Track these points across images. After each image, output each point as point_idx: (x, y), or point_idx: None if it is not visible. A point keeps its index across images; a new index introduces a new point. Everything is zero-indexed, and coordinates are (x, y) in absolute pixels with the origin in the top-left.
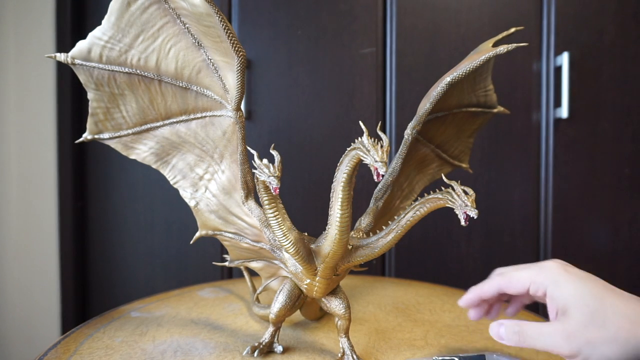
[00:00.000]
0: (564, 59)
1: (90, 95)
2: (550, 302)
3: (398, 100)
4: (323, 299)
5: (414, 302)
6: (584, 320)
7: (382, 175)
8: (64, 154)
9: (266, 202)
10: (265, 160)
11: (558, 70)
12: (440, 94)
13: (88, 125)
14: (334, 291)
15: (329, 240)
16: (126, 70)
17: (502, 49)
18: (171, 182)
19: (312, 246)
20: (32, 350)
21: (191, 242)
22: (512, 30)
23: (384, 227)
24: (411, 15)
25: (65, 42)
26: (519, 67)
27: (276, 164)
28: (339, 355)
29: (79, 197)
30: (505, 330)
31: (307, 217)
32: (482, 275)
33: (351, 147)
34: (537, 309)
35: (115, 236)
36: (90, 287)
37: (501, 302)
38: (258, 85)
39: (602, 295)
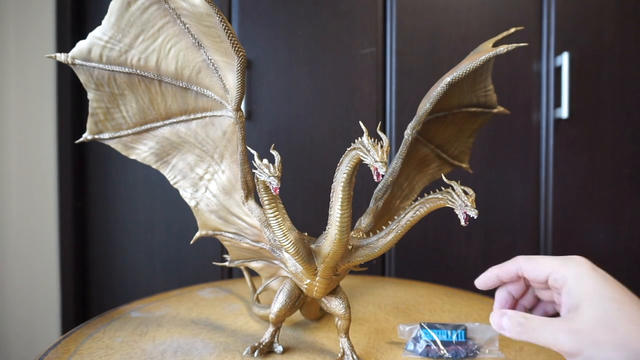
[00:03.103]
0: (564, 59)
1: (90, 95)
2: (565, 297)
3: (398, 100)
4: (323, 299)
5: (414, 302)
6: (595, 320)
7: (382, 175)
8: (64, 154)
9: (266, 202)
10: (265, 160)
11: (558, 70)
12: (440, 94)
13: (88, 125)
14: (334, 291)
15: (329, 240)
16: (126, 70)
17: (502, 49)
18: (171, 182)
19: (312, 246)
20: (32, 350)
21: (191, 242)
22: (512, 30)
23: (384, 227)
24: (411, 15)
25: (65, 42)
26: (519, 67)
27: (276, 164)
28: (339, 355)
29: (79, 197)
30: (509, 321)
31: (307, 217)
32: None
33: (351, 147)
34: None
35: (115, 236)
36: (90, 287)
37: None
38: (258, 85)
39: (622, 300)
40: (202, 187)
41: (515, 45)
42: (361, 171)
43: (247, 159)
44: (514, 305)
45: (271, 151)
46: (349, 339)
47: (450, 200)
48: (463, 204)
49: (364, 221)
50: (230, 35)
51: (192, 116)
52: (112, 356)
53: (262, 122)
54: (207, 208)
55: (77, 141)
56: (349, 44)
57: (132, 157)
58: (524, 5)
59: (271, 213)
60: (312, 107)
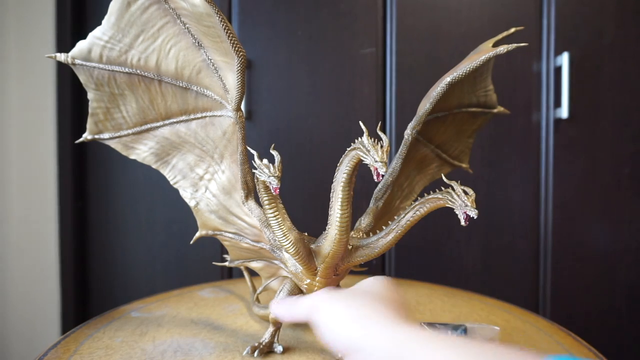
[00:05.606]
0: (564, 59)
1: (90, 95)
2: None
3: (398, 100)
4: None
5: (414, 302)
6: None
7: (382, 175)
8: (64, 154)
9: (266, 202)
10: (265, 161)
11: (558, 70)
12: (440, 94)
13: (88, 125)
14: None
15: (329, 240)
16: (126, 70)
17: (502, 49)
18: (171, 182)
19: (312, 246)
20: (32, 350)
21: (191, 242)
22: (512, 30)
23: (384, 227)
24: (411, 15)
25: (65, 42)
26: (519, 67)
27: (276, 164)
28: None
29: (79, 197)
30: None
31: (307, 217)
32: (482, 275)
33: (351, 147)
34: (537, 309)
35: (115, 236)
36: (90, 287)
37: None
38: (258, 85)
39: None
40: (202, 187)
41: (515, 45)
42: (361, 171)
43: (247, 159)
44: None
45: (271, 151)
46: None
47: (450, 200)
48: (463, 204)
49: (364, 221)
50: (230, 35)
51: (192, 116)
52: (112, 356)
53: (262, 122)
54: (207, 208)
55: (77, 141)
56: (349, 44)
57: (132, 157)
58: (524, 5)
59: (271, 213)
60: (312, 107)
